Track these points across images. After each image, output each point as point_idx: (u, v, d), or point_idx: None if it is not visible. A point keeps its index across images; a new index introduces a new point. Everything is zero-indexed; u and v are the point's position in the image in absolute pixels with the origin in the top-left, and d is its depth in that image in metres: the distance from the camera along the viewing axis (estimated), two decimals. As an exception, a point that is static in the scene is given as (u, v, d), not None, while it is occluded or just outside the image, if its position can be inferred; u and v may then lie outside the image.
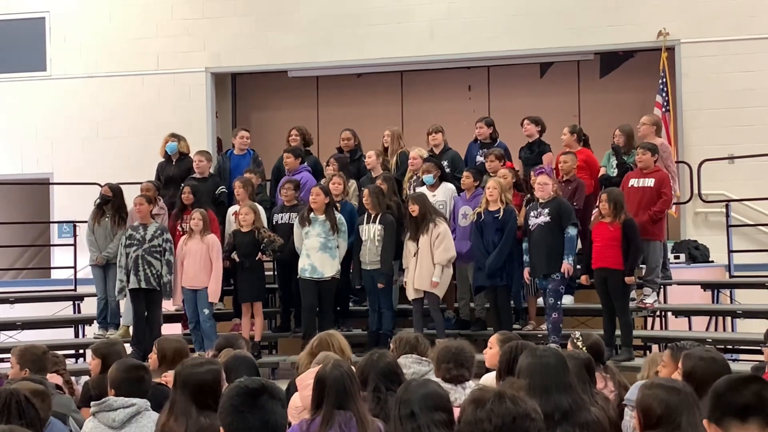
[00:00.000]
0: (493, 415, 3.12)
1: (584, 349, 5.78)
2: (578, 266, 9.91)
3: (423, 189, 10.61)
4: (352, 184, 11.29)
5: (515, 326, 10.22)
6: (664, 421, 3.91)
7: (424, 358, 5.72)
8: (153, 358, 6.50)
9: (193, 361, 4.77)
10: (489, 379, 5.76)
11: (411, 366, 5.58)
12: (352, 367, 4.83)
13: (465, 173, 10.64)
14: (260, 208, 10.82)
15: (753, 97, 13.25)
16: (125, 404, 4.88)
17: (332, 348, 6.03)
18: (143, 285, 10.27)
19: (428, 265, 9.95)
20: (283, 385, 5.91)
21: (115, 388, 5.03)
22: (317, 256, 10.27)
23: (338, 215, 10.45)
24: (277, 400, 3.41)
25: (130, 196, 10.94)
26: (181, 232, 10.79)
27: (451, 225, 10.37)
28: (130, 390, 4.98)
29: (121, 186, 11.45)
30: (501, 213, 9.88)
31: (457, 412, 4.45)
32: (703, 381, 4.53)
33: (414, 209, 9.99)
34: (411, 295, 10.14)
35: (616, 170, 10.76)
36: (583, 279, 9.79)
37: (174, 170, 11.72)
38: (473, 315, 10.64)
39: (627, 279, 9.36)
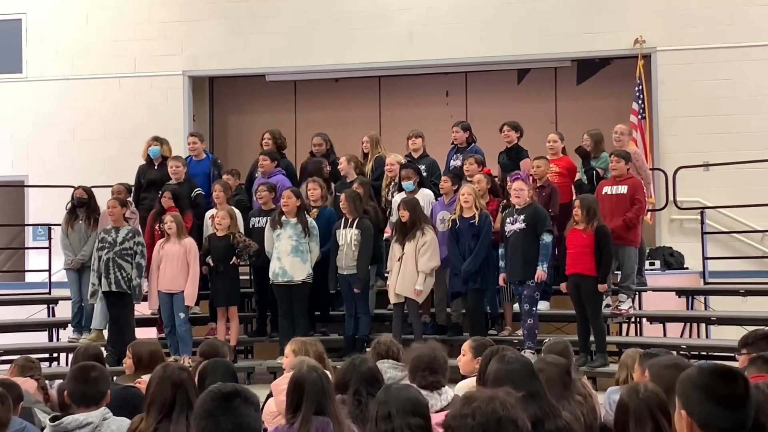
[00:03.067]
0: (479, 412, 3.13)
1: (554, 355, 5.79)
2: (554, 272, 9.94)
3: (402, 195, 10.60)
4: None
5: (491, 332, 10.24)
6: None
7: (399, 364, 5.73)
8: (128, 363, 6.46)
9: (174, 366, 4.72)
10: (465, 385, 5.77)
11: (387, 371, 5.58)
12: (327, 372, 4.83)
13: (443, 178, 10.67)
14: (237, 212, 10.79)
15: (728, 105, 13.36)
16: (80, 424, 4.71)
17: (311, 354, 6.03)
18: (114, 288, 10.19)
19: (412, 272, 9.96)
20: (259, 390, 5.90)
21: (67, 390, 4.96)
22: (288, 260, 10.24)
23: (310, 219, 10.43)
24: (250, 404, 3.45)
25: (107, 198, 10.86)
26: (159, 233, 10.73)
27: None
28: (78, 390, 4.86)
29: (95, 188, 11.42)
30: (476, 219, 9.90)
31: (434, 417, 4.47)
32: (668, 388, 4.58)
33: (404, 215, 9.99)
34: (393, 299, 10.15)
35: (585, 176, 10.82)
36: (563, 286, 9.79)
37: (156, 174, 11.66)
38: (450, 320, 10.66)
39: (600, 287, 9.38)
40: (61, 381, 7.05)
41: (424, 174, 10.99)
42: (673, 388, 4.59)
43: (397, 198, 10.66)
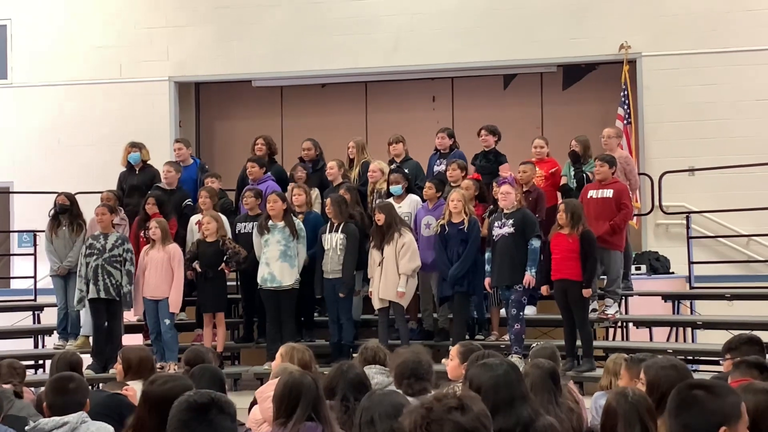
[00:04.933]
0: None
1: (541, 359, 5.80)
2: (540, 276, 9.94)
3: (389, 200, 10.59)
4: (315, 192, 11.29)
5: (478, 337, 10.25)
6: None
7: (386, 369, 5.73)
8: (118, 368, 6.44)
9: (163, 378, 4.67)
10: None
11: (374, 377, 5.59)
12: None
13: (428, 184, 10.66)
14: (223, 217, 10.77)
15: (713, 110, 13.41)
16: (57, 424, 4.71)
17: (298, 361, 6.03)
18: (102, 295, 10.15)
19: (393, 275, 9.96)
20: (247, 397, 5.88)
21: (46, 402, 4.95)
22: (277, 265, 10.22)
23: (297, 221, 10.41)
24: (226, 414, 3.36)
25: (93, 205, 10.83)
26: (144, 240, 10.71)
27: (414, 235, 10.38)
28: (57, 402, 4.86)
29: (80, 194, 11.40)
30: (465, 224, 9.90)
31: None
32: (666, 390, 4.58)
33: (380, 218, 10.00)
34: (377, 304, 10.14)
35: (575, 181, 10.84)
36: (544, 290, 9.83)
37: (138, 179, 11.64)
38: (436, 325, 10.65)
39: (584, 292, 9.39)
40: (43, 389, 7.05)
41: (409, 177, 10.99)
42: (671, 389, 4.61)
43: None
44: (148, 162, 11.83)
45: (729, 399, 3.35)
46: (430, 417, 3.05)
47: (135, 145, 11.82)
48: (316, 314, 11.19)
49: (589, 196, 10.29)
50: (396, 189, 10.62)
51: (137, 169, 11.73)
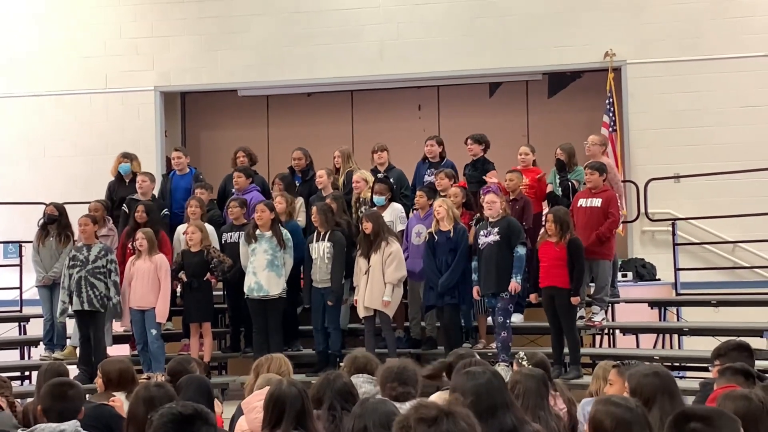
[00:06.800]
0: None
1: (530, 367, 5.82)
2: (527, 284, 9.96)
3: (376, 209, 10.59)
4: (298, 201, 11.27)
5: (465, 344, 10.25)
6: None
7: (374, 378, 5.73)
8: (99, 382, 6.42)
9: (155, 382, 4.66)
10: (439, 397, 5.76)
11: (362, 385, 5.58)
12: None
13: (418, 192, 10.68)
14: (209, 226, 10.74)
15: (698, 117, 13.45)
16: (54, 430, 4.65)
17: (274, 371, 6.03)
18: (86, 307, 10.09)
19: (379, 284, 9.96)
20: (233, 407, 5.86)
21: (42, 406, 4.94)
22: (264, 274, 10.21)
23: (284, 231, 10.40)
24: (210, 425, 3.36)
25: (78, 215, 10.78)
26: (131, 251, 10.67)
27: (404, 244, 10.39)
28: (55, 407, 4.86)
29: (66, 205, 11.35)
30: (452, 232, 9.90)
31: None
32: (649, 396, 4.61)
33: (367, 227, 10.00)
34: (362, 313, 10.14)
35: (560, 189, 10.86)
36: (532, 297, 9.85)
37: (128, 190, 11.58)
38: (424, 334, 10.65)
39: (572, 299, 9.41)
40: (31, 400, 7.00)
41: (394, 187, 11.00)
42: (655, 396, 4.62)
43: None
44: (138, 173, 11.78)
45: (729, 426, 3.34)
46: (403, 424, 3.08)
47: (126, 156, 11.79)
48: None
49: (579, 205, 10.30)
50: (379, 200, 10.63)
51: (127, 181, 11.69)
